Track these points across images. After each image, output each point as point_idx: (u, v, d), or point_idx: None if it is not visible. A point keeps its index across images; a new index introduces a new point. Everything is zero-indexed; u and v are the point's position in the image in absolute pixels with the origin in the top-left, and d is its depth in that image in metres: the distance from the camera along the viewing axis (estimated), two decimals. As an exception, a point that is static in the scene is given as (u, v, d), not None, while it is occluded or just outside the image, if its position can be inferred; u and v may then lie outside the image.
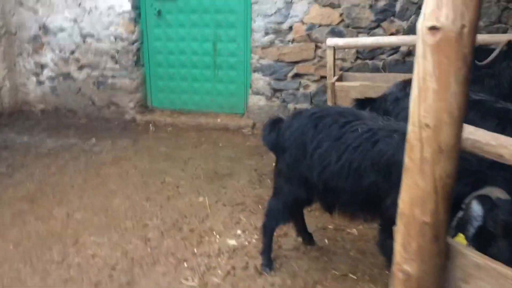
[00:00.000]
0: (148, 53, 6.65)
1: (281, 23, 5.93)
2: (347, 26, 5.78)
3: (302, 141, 2.98)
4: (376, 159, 2.65)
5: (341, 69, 5.91)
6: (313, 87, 6.14)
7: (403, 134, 2.65)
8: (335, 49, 4.84)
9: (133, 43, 6.50)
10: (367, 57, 5.85)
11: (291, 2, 5.81)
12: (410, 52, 5.67)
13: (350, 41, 4.83)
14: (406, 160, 1.84)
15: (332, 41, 4.83)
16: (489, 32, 5.35)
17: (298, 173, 3.02)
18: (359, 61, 5.88)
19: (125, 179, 4.82)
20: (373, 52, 5.80)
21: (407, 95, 3.66)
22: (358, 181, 2.73)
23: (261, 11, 5.91)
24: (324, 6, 5.76)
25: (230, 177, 4.92)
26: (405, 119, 3.13)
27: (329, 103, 4.90)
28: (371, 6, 5.63)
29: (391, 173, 2.58)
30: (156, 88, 6.79)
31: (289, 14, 5.87)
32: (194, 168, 5.13)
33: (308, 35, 5.93)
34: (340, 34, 5.80)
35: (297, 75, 6.14)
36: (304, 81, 6.15)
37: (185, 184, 4.71)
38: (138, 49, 6.60)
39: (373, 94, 4.58)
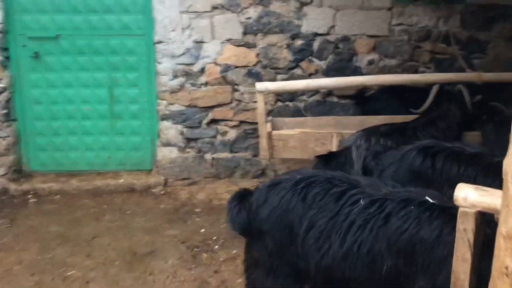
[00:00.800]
0: (23, 104, 5.28)
1: (192, 64, 5.21)
2: (265, 66, 5.31)
3: (287, 221, 2.30)
4: (394, 238, 2.09)
5: (261, 113, 5.39)
6: (232, 134, 5.48)
7: (421, 204, 2.15)
8: (265, 94, 4.30)
9: (0, 93, 5.10)
10: (287, 99, 5.43)
11: (201, 42, 5.14)
12: (330, 92, 5.42)
13: (282, 85, 4.34)
14: None
15: (262, 85, 4.28)
16: (403, 70, 5.38)
17: (285, 263, 2.31)
18: (279, 104, 5.43)
19: (8, 282, 3.48)
20: (293, 93, 5.40)
21: (387, 148, 3.32)
22: (371, 267, 2.14)
23: (168, 52, 5.12)
24: (239, 45, 5.22)
25: (153, 256, 3.93)
26: (393, 177, 2.64)
27: (264, 155, 4.29)
28: (288, 46, 5.27)
29: (415, 254, 2.04)
30: (35, 146, 5.41)
31: (200, 54, 5.18)
32: (103, 250, 4.01)
33: (224, 77, 5.30)
34: (257, 76, 5.30)
35: (213, 121, 5.43)
36: (221, 127, 5.46)
37: (97, 277, 3.58)
38: (8, 100, 5.20)
39: (314, 142, 4.11)
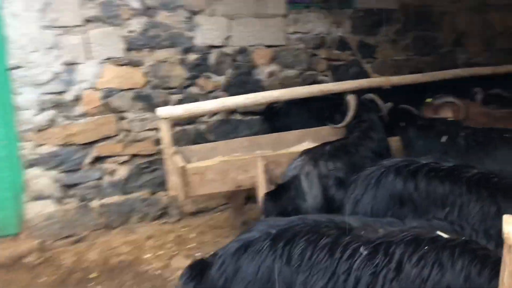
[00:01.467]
0: None
1: (63, 92, 4.09)
2: (156, 87, 4.48)
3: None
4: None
5: (156, 143, 4.54)
6: (123, 172, 4.51)
7: (435, 242, 1.72)
8: (170, 121, 3.53)
9: None
10: (185, 122, 4.68)
11: (74, 63, 4.07)
12: (234, 110, 4.84)
13: (191, 108, 3.59)
14: None
15: (165, 111, 3.50)
16: (303, 80, 5.11)
17: None
18: (176, 129, 4.64)
19: None
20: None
21: (345, 173, 2.84)
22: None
23: (29, 79, 3.91)
24: (122, 65, 4.29)
25: None
26: (372, 206, 2.18)
27: (176, 196, 3.51)
28: (181, 61, 4.53)
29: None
30: None
31: (73, 79, 4.10)
32: None
33: (106, 105, 4.30)
34: (147, 99, 4.45)
35: (97, 160, 4.38)
36: (108, 165, 4.44)
37: None
38: None
39: (236, 170, 3.48)
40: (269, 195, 2.75)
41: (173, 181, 3.57)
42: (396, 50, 5.57)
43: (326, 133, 4.25)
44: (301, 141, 4.19)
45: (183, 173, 3.35)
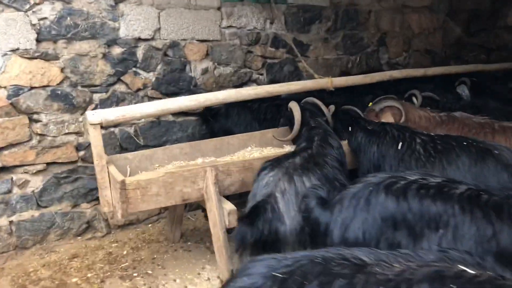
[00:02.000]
0: None
1: (-43, 90, 3.36)
2: (75, 85, 3.89)
3: None
4: None
5: (77, 148, 3.99)
6: (37, 182, 3.87)
7: (460, 278, 1.58)
8: (103, 127, 3.06)
9: None
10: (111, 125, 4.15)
11: (-31, 54, 3.35)
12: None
13: (128, 112, 3.12)
14: None
15: (97, 115, 3.01)
16: (238, 78, 4.85)
17: None
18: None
19: None
20: (118, 116, 4.16)
21: (324, 191, 2.55)
22: None
23: None
24: (33, 58, 3.65)
25: None
26: (364, 231, 2.03)
27: (117, 213, 3.06)
28: (105, 55, 3.99)
29: None
30: None
31: (-30, 74, 3.38)
32: None
33: (14, 105, 3.64)
34: (66, 98, 3.86)
35: (4, 170, 3.70)
36: (19, 176, 3.79)
37: None
38: None
39: (183, 183, 3.13)
40: (243, 219, 2.42)
41: (107, 196, 3.10)
42: (327, 49, 5.56)
43: (271, 136, 4.05)
44: (245, 146, 3.95)
45: (122, 188, 2.90)
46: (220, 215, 3.16)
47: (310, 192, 2.36)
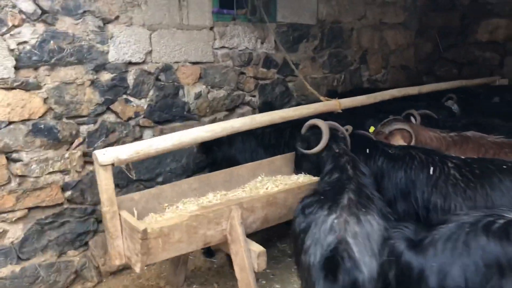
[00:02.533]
0: None
1: None
2: (60, 117, 3.41)
3: None
4: None
5: (63, 189, 3.49)
6: (16, 232, 3.33)
7: None
8: (115, 166, 2.65)
9: None
10: (99, 159, 3.68)
11: None
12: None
13: (142, 148, 2.71)
14: None
15: (108, 155, 2.59)
16: (232, 101, 4.56)
17: None
18: (88, 168, 3.63)
19: None
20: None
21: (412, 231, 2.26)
22: None
23: None
24: (11, 88, 3.13)
25: None
26: (461, 279, 1.81)
27: (135, 265, 2.65)
28: (93, 83, 3.54)
29: None
30: None
31: None
32: None
33: (-10, 144, 3.09)
34: (50, 132, 3.36)
35: (-22, 222, 3.13)
36: (-4, 227, 3.22)
37: None
38: None
39: (207, 226, 2.79)
40: (327, 276, 2.08)
41: (119, 247, 2.66)
42: (315, 68, 5.42)
43: (280, 163, 3.79)
44: (254, 176, 3.65)
45: (144, 238, 2.49)
46: (248, 258, 2.84)
47: (396, 233, 2.12)
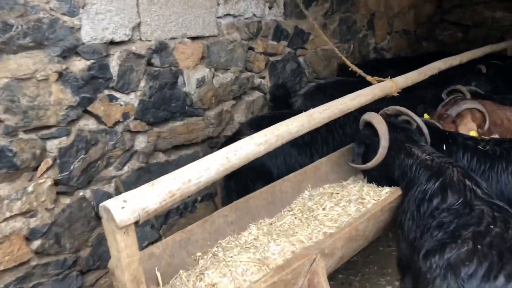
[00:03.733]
0: None
1: None
2: (14, 132, 2.20)
3: None
4: None
5: (29, 239, 2.34)
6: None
7: None
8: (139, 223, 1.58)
9: None
10: (78, 186, 2.54)
11: None
12: (157, 148, 2.90)
13: (178, 187, 1.64)
14: None
15: (130, 208, 1.51)
16: (240, 86, 3.49)
17: None
18: (64, 201, 2.47)
19: None
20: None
21: None
22: None
23: None
24: None
25: None
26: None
27: None
28: (60, 75, 2.33)
29: None
30: None
31: None
32: None
33: None
34: (1, 157, 2.15)
35: None
36: None
37: None
38: None
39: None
40: None
41: None
42: (326, 38, 4.44)
43: (325, 168, 2.86)
44: (300, 190, 2.70)
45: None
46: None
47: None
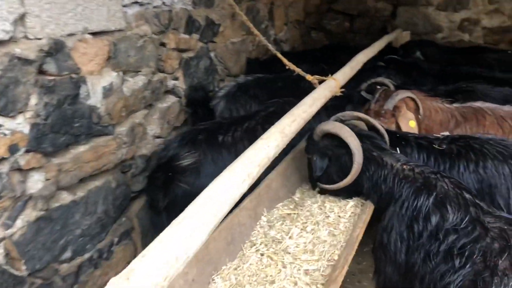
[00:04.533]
0: None
1: None
2: None
3: None
4: None
5: None
6: None
7: None
8: None
9: None
10: None
11: None
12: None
13: (188, 251, 1.02)
14: None
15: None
16: (153, 91, 2.82)
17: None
18: None
19: None
20: None
21: None
22: None
23: None
24: None
25: None
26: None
27: None
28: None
29: None
30: None
31: None
32: None
33: None
34: None
35: None
36: None
37: None
38: None
39: None
40: None
41: None
42: (234, 29, 3.95)
43: (276, 185, 2.46)
44: (256, 216, 2.24)
45: None
46: None
47: None
